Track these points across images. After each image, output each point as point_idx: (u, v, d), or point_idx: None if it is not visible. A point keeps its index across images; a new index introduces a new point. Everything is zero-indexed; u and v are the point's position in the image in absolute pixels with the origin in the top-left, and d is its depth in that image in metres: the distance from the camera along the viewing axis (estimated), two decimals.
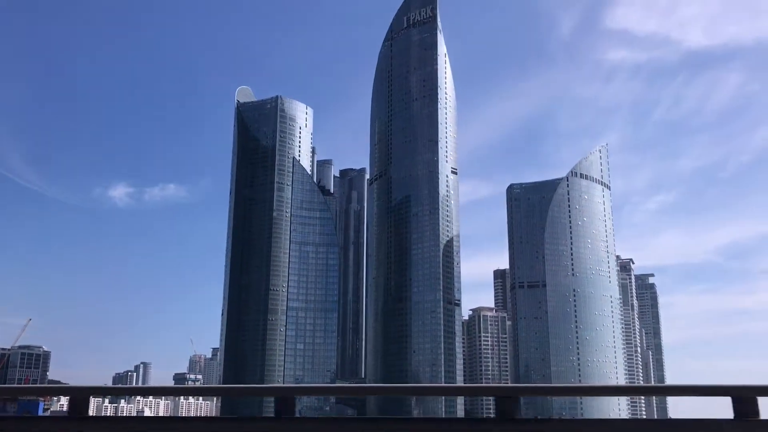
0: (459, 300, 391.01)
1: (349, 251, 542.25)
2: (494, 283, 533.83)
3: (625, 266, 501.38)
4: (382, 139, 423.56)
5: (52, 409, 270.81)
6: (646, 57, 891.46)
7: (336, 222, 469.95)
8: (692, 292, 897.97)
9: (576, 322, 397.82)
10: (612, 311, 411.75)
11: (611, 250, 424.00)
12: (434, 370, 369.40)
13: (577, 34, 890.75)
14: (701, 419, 12.00)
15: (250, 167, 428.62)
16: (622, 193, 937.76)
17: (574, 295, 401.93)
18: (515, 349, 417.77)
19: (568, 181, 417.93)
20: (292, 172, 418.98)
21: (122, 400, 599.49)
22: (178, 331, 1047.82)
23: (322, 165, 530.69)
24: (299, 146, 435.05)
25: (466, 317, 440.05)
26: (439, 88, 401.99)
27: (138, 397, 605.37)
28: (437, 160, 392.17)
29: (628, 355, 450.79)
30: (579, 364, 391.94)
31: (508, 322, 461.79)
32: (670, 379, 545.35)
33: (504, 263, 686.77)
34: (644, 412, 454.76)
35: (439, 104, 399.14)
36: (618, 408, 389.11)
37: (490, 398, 12.47)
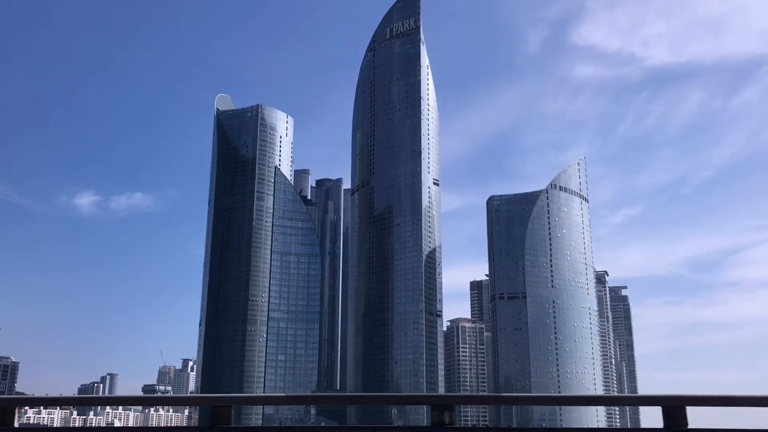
0: (440, 311, 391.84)
1: (325, 261, 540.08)
2: (470, 294, 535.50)
3: (600, 278, 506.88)
4: (363, 149, 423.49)
5: None
6: (612, 73, 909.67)
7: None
8: (657, 304, 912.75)
9: (555, 333, 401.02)
10: (590, 323, 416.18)
11: (589, 263, 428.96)
12: (416, 381, 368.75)
13: (546, 50, 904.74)
14: (633, 428, 12.48)
15: (230, 176, 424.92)
16: (589, 207, 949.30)
17: (554, 307, 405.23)
18: (495, 361, 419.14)
19: (547, 193, 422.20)
20: (274, 182, 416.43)
21: (90, 411, 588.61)
22: (146, 342, 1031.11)
23: (300, 174, 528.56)
24: (279, 155, 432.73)
25: (444, 328, 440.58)
26: (422, 100, 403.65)
27: (107, 408, 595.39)
28: (420, 171, 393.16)
29: (604, 366, 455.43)
30: (558, 376, 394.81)
31: (486, 334, 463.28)
32: (642, 390, 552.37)
33: (478, 274, 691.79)
34: (618, 422, 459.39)
35: (422, 115, 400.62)
36: (596, 418, 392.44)
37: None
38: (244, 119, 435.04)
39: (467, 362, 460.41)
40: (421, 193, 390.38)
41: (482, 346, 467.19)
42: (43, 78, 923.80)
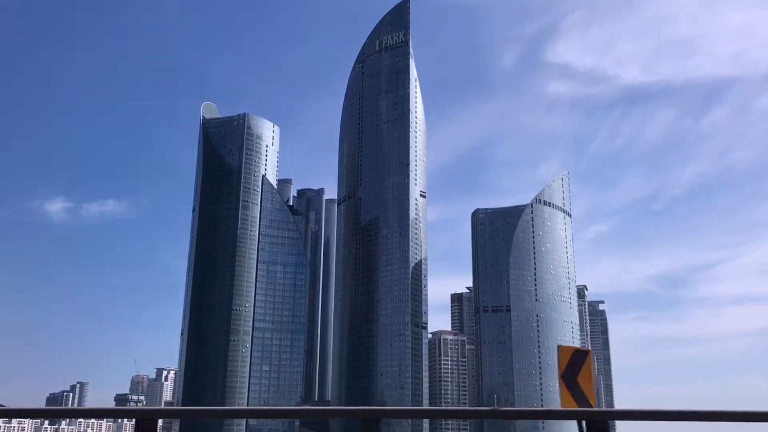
0: (426, 323, 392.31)
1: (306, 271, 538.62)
2: (451, 306, 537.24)
3: (580, 292, 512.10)
4: (351, 160, 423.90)
5: None
6: (585, 91, 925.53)
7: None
8: (627, 319, 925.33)
9: (539, 346, 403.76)
10: (572, 337, 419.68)
11: (572, 277, 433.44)
12: (401, 393, 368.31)
13: (521, 67, 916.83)
14: None
15: (215, 184, 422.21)
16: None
17: (537, 320, 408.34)
18: (478, 373, 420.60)
19: (532, 207, 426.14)
20: (261, 191, 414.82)
21: (62, 421, 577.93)
22: (118, 350, 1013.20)
23: (282, 184, 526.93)
24: (266, 165, 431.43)
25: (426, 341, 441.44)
26: (410, 112, 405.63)
27: (79, 419, 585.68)
28: (407, 183, 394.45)
29: None
30: (541, 389, 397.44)
31: (468, 346, 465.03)
32: (619, 404, 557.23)
33: (457, 287, 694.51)
34: None
35: (410, 127, 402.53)
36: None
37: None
38: (231, 128, 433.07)
39: (449, 375, 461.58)
40: (408, 204, 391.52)
41: (464, 359, 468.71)
42: (14, 81, 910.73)
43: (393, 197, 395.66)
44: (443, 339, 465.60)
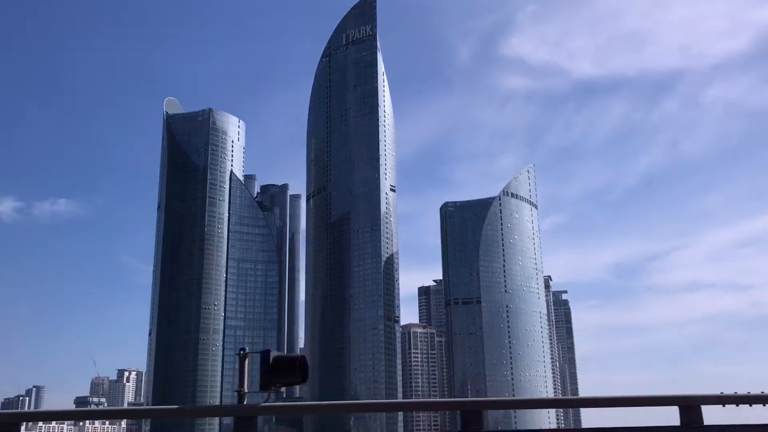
0: (398, 317, 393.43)
1: None
2: (419, 299, 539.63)
3: (546, 283, 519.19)
4: (319, 155, 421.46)
5: None
6: (540, 85, 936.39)
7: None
8: (583, 308, 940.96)
9: (509, 337, 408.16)
10: (541, 327, 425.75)
11: (539, 268, 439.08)
12: (375, 387, 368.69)
13: (476, 61, 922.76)
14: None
15: (180, 181, 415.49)
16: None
17: (507, 311, 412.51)
18: (449, 365, 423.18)
19: (500, 200, 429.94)
20: (229, 187, 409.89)
21: (22, 426, 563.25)
22: (75, 352, 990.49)
23: (246, 180, 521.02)
24: (232, 160, 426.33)
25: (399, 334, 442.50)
26: (379, 106, 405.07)
27: (39, 423, 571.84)
28: (378, 178, 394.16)
29: (552, 369, 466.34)
30: (512, 379, 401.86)
31: (438, 339, 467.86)
32: (583, 392, 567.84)
33: (420, 279, 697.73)
34: (563, 423, 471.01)
35: (379, 121, 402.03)
36: (548, 420, 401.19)
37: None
38: (195, 123, 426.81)
39: (419, 367, 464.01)
40: (379, 199, 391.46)
41: (433, 351, 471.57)
42: None
43: (363, 192, 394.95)
44: (413, 332, 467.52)
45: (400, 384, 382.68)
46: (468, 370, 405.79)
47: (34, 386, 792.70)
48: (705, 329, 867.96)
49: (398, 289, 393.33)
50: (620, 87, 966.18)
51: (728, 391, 16.00)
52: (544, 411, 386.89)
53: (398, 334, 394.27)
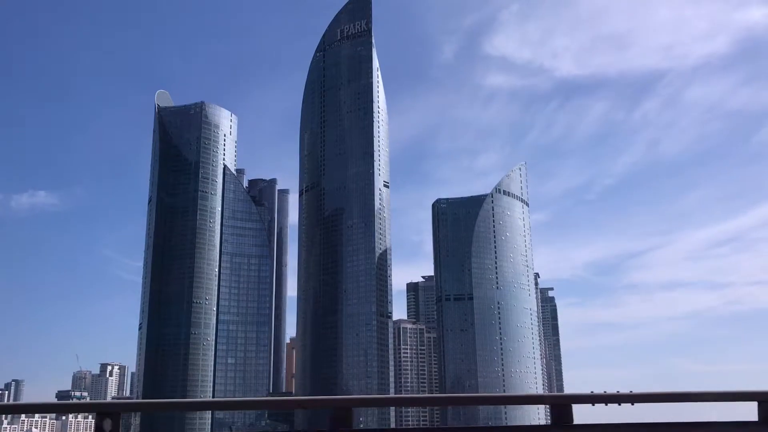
0: (391, 312, 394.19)
1: None
2: (407, 296, 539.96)
3: (534, 280, 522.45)
4: (313, 150, 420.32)
5: None
6: (522, 83, 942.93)
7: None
8: (563, 305, 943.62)
9: (500, 334, 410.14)
10: (531, 323, 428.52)
11: (530, 265, 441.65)
12: (368, 382, 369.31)
13: (460, 59, 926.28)
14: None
15: (172, 174, 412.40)
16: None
17: (499, 308, 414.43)
18: (440, 361, 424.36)
19: (492, 197, 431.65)
20: (223, 181, 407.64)
21: (5, 420, 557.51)
22: (56, 346, 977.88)
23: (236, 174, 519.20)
24: (224, 154, 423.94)
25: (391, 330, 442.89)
26: (373, 102, 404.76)
27: (23, 416, 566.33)
28: (372, 173, 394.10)
29: (541, 365, 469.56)
30: (503, 375, 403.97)
31: (428, 335, 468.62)
32: (568, 388, 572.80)
33: (408, 275, 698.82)
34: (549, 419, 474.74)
35: (374, 117, 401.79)
36: (537, 416, 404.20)
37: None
38: (187, 117, 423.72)
39: (408, 363, 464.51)
40: (373, 195, 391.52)
41: (423, 348, 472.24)
42: None
43: (357, 187, 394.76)
44: (403, 328, 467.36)
45: (392, 380, 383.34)
46: (459, 366, 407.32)
47: (13, 380, 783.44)
48: (681, 326, 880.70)
49: (391, 285, 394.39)
50: (602, 87, 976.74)
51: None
52: (533, 407, 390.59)
53: (390, 330, 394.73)
